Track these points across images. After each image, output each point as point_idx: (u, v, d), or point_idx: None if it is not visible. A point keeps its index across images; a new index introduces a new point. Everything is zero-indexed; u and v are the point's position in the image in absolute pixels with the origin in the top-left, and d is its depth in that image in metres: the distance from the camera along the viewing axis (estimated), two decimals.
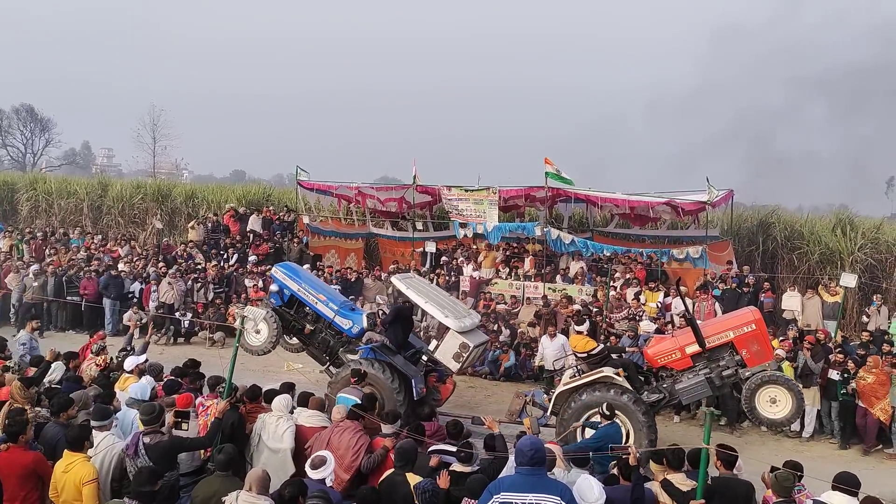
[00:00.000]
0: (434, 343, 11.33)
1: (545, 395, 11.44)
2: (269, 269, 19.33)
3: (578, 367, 10.70)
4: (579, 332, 11.22)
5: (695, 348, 10.18)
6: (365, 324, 11.78)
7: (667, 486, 6.37)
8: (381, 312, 12.67)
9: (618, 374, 10.21)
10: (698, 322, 10.85)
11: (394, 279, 12.46)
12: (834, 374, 12.39)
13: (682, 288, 11.87)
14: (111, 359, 9.88)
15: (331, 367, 12.03)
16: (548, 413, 10.84)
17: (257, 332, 11.87)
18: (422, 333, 15.26)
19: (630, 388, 10.13)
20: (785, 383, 9.82)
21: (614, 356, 10.96)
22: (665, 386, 10.48)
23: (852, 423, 12.37)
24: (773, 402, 9.72)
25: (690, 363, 10.32)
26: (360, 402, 8.83)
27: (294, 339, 12.64)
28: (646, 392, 10.41)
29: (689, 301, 16.48)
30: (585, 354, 10.58)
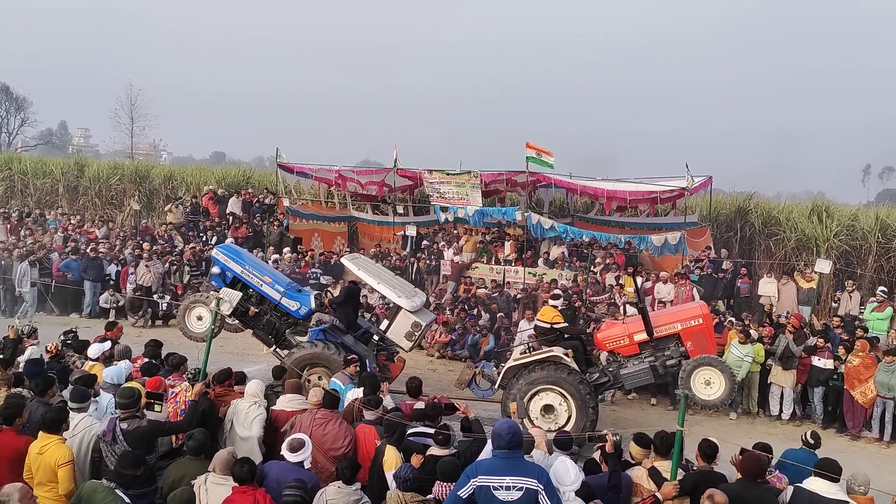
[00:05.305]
0: (385, 323, 11.38)
1: (494, 368, 11.71)
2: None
3: (530, 344, 11.03)
4: (553, 306, 11.50)
5: (643, 336, 10.63)
6: (313, 305, 11.68)
7: (654, 474, 6.35)
8: (326, 293, 12.63)
9: (567, 354, 10.49)
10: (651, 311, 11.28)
11: (343, 260, 12.50)
12: (819, 362, 12.58)
13: (637, 277, 12.40)
14: (60, 345, 9.73)
15: (277, 349, 11.92)
16: (495, 386, 11.09)
17: (199, 318, 11.73)
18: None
19: (576, 369, 10.45)
20: (719, 365, 10.21)
21: (567, 336, 11.17)
22: (611, 370, 10.90)
23: (839, 407, 12.60)
24: (708, 384, 10.13)
25: (637, 350, 10.76)
26: (347, 388, 8.88)
27: (235, 320, 12.20)
28: (590, 374, 10.78)
29: (669, 286, 16.71)
30: (549, 326, 10.92)
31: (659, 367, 10.66)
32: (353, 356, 10.16)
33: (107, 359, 9.16)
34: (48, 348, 9.39)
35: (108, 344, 9.57)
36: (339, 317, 11.54)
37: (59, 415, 6.41)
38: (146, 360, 8.99)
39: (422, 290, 18.36)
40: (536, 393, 10.40)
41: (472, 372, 11.70)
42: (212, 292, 11.81)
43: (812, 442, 7.75)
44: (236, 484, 5.68)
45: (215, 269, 12.21)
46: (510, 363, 10.83)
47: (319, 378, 10.63)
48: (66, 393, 7.52)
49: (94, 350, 9.33)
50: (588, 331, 11.89)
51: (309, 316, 11.69)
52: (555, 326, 10.97)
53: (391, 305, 11.38)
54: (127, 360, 9.11)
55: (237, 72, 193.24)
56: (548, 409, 10.39)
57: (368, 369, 10.89)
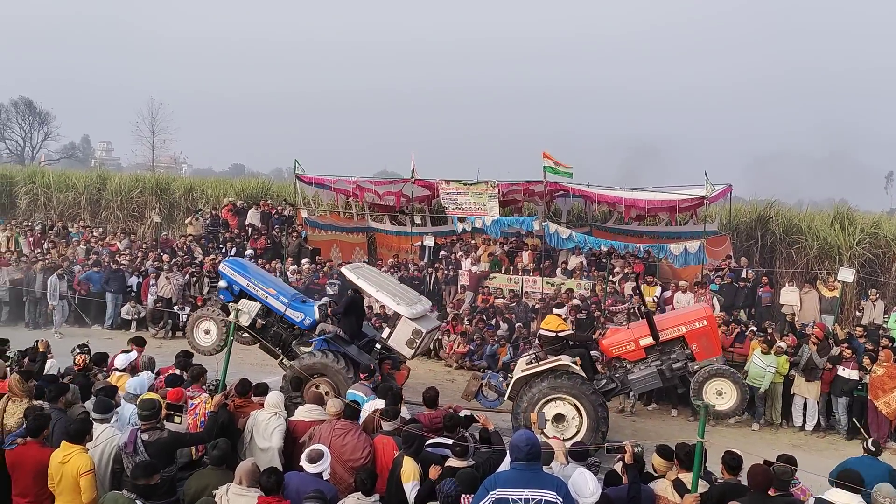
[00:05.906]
0: (387, 331, 11.38)
1: (502, 379, 11.68)
2: (267, 264, 19.44)
3: (536, 354, 11.01)
4: (557, 315, 11.50)
5: (648, 341, 10.66)
6: (317, 315, 11.75)
7: (679, 486, 6.26)
8: (331, 303, 12.64)
9: (575, 362, 10.48)
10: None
11: (344, 269, 12.49)
12: (844, 372, 12.39)
13: (640, 282, 12.40)
14: (87, 359, 9.82)
15: (284, 360, 11.96)
16: (504, 397, 11.05)
17: (207, 332, 11.95)
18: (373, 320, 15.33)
19: (585, 377, 10.43)
20: (731, 376, 10.27)
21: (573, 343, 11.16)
22: (618, 376, 10.91)
23: (864, 417, 12.35)
24: (720, 395, 10.23)
25: (643, 355, 10.80)
26: (367, 399, 8.85)
27: (245, 333, 12.26)
28: (597, 381, 10.78)
29: (689, 295, 16.58)
30: (553, 334, 10.90)
31: (665, 370, 10.70)
32: (368, 365, 10.17)
33: (133, 369, 9.25)
34: (76, 361, 9.47)
35: (134, 354, 9.67)
36: (342, 327, 11.60)
37: (84, 426, 6.46)
38: (175, 371, 9.05)
39: (439, 300, 18.47)
40: (548, 402, 10.36)
41: (479, 383, 11.69)
42: (231, 304, 11.90)
43: (873, 449, 7.62)
44: (262, 494, 5.69)
45: (222, 283, 12.40)
46: (518, 373, 10.77)
47: (317, 387, 10.59)
48: (88, 404, 7.59)
49: (121, 361, 9.42)
50: (593, 337, 11.87)
51: (314, 326, 11.77)
52: (559, 335, 10.93)
53: (393, 313, 11.38)
54: (149, 371, 9.18)
55: (254, 79, 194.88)
56: (559, 418, 10.34)
57: None
